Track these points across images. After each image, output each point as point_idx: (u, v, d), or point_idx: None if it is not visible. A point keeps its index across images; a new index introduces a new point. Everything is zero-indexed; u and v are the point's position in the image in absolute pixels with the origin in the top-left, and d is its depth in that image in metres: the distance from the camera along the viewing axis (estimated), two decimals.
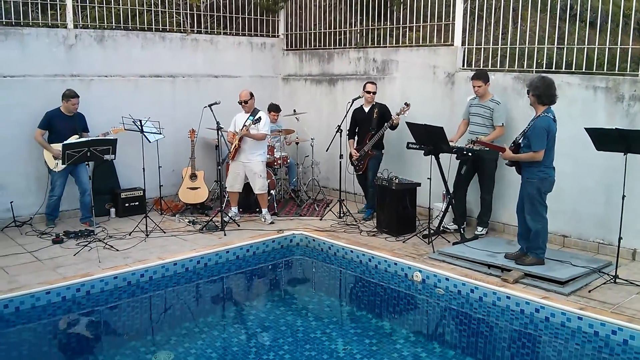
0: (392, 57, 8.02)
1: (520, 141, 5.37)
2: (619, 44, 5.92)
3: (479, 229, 6.84)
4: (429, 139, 6.28)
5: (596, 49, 6.17)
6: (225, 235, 6.72)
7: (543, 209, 5.39)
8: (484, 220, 6.85)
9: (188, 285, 5.83)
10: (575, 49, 6.30)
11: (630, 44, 5.95)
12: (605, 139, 5.08)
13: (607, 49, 6.11)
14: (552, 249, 5.89)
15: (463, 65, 7.30)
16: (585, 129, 5.20)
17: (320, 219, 7.56)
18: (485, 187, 6.74)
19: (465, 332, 4.98)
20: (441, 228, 6.66)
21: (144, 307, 5.50)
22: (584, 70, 6.15)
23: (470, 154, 6.25)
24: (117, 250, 6.14)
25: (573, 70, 6.19)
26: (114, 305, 5.31)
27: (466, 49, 7.27)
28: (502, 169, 6.67)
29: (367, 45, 8.48)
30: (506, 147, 5.41)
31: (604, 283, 5.14)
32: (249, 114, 7.20)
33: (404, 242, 6.55)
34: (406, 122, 6.50)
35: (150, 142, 6.98)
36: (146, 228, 6.74)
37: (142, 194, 7.66)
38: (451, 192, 6.60)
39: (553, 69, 6.41)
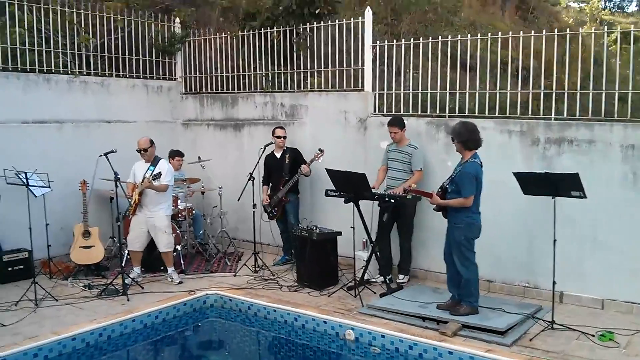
0: (301, 102, 7.75)
1: (447, 186, 5.25)
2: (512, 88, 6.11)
3: (401, 276, 6.62)
4: (350, 186, 6.00)
5: (508, 94, 6.33)
6: (128, 300, 5.89)
7: (471, 254, 5.27)
8: (405, 267, 6.65)
9: None
10: (484, 93, 6.40)
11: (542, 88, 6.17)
12: (533, 183, 5.09)
13: (497, 94, 6.28)
14: (480, 295, 5.76)
15: (374, 111, 7.19)
16: (513, 173, 5.20)
17: (234, 275, 6.94)
18: (404, 234, 6.57)
19: None
20: (365, 278, 6.34)
21: None
22: (497, 115, 6.25)
23: (392, 200, 6.04)
24: (3, 325, 5.14)
25: (486, 114, 6.26)
26: None
27: (377, 94, 7.19)
28: (420, 214, 6.57)
29: (274, 90, 8.16)
30: (434, 193, 5.26)
31: (543, 330, 5.04)
32: (149, 163, 6.51)
33: (329, 296, 6.13)
34: (326, 169, 6.19)
35: (36, 196, 6.05)
36: (35, 296, 5.74)
37: (27, 255, 6.58)
38: (374, 240, 6.35)
39: (466, 113, 6.48)
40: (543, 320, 5.25)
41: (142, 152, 6.51)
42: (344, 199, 6.15)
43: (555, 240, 5.02)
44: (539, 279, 6.04)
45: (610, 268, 5.59)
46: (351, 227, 6.07)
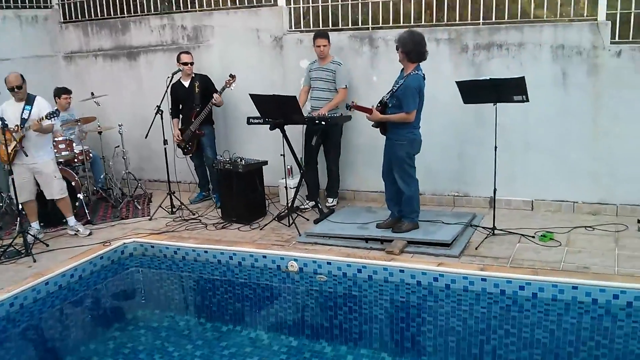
0: (206, 22, 6.95)
1: (387, 100, 4.90)
2: None
3: (330, 200, 6.33)
4: (279, 110, 5.48)
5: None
6: (35, 261, 5.08)
7: (413, 170, 5.05)
8: (334, 190, 6.36)
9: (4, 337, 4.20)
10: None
11: None
12: (476, 91, 4.86)
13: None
14: None
15: (290, 27, 6.60)
16: (456, 82, 4.93)
17: (150, 219, 6.27)
18: (331, 156, 6.22)
19: (364, 318, 4.40)
20: (295, 206, 5.97)
21: None
22: (423, 23, 5.92)
23: (323, 122, 5.62)
24: None
25: (412, 23, 5.91)
26: None
27: (292, 9, 6.57)
28: (346, 134, 6.25)
29: (172, 10, 7.25)
30: (373, 108, 4.89)
31: (486, 237, 4.98)
32: (23, 102, 5.52)
33: (261, 229, 5.70)
34: (250, 95, 5.58)
35: None
36: None
37: None
38: (303, 165, 5.96)
39: (391, 24, 6.09)
40: (483, 228, 5.21)
41: (15, 89, 5.48)
42: (269, 125, 5.63)
43: (496, 147, 4.89)
44: (469, 187, 6.04)
45: (540, 170, 5.64)
46: (281, 155, 5.64)
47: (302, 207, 6.20)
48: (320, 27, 6.40)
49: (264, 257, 5.02)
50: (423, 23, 5.94)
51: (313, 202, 6.17)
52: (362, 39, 6.16)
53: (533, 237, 4.99)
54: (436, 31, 5.81)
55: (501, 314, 4.23)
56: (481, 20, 5.69)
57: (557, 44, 5.35)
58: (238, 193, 5.87)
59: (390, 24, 6.10)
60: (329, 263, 4.78)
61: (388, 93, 4.92)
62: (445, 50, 5.80)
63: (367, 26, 6.20)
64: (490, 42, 5.59)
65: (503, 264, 4.47)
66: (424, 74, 4.82)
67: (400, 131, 4.90)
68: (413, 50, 4.74)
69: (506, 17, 5.59)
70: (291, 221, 5.65)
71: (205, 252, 5.25)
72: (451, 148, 5.97)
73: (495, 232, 5.04)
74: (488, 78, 4.73)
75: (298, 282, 4.89)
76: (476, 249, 4.80)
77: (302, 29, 6.54)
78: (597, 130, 5.37)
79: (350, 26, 6.30)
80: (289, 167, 6.24)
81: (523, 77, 4.56)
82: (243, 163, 5.83)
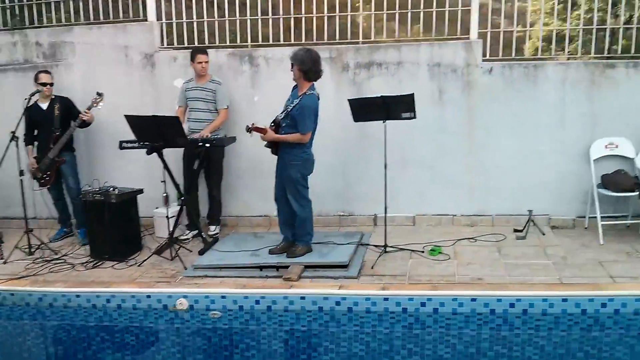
0: (65, 39, 6.27)
1: (281, 120, 4.70)
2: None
3: (212, 228, 5.95)
4: (158, 133, 5.03)
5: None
6: None
7: (306, 191, 4.90)
8: (216, 217, 6.00)
9: None
10: (288, 19, 5.92)
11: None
12: (367, 108, 4.82)
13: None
14: None
15: (162, 44, 6.17)
16: (348, 100, 4.89)
17: (5, 262, 5.42)
18: (214, 181, 5.88)
19: (264, 354, 4.10)
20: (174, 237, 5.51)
21: None
22: (304, 41, 5.85)
23: (207, 144, 5.27)
24: None
25: (293, 41, 5.81)
26: None
27: (164, 24, 6.16)
28: (227, 157, 5.96)
29: (26, 26, 6.45)
30: (267, 128, 4.67)
31: (380, 255, 4.95)
32: None
33: (139, 265, 5.17)
34: (125, 116, 5.06)
35: None
36: None
37: None
38: (183, 192, 5.55)
39: (271, 42, 5.95)
40: (374, 246, 5.19)
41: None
42: (146, 150, 5.16)
43: (386, 165, 4.90)
44: (354, 207, 6.03)
45: (419, 185, 5.77)
46: (162, 182, 5.21)
47: (183, 237, 5.76)
48: (197, 44, 6.06)
49: (148, 296, 4.52)
50: (304, 41, 5.87)
51: (195, 232, 5.77)
52: (242, 57, 5.93)
53: (422, 252, 5.06)
54: (317, 50, 5.73)
55: (404, 332, 4.18)
56: (360, 40, 5.74)
57: (433, 62, 5.55)
58: (111, 226, 5.28)
59: (270, 42, 5.94)
60: (223, 297, 4.43)
61: (282, 112, 4.73)
62: (326, 69, 5.69)
63: (247, 44, 5.97)
64: (370, 61, 5.66)
65: (402, 281, 4.45)
66: (318, 94, 4.71)
67: (293, 151, 4.73)
68: (311, 69, 4.61)
69: (385, 36, 5.70)
70: (174, 254, 5.19)
71: (77, 296, 4.61)
72: (335, 167, 5.92)
73: (387, 249, 5.04)
74: (380, 96, 4.73)
75: (188, 321, 4.46)
76: (372, 267, 4.74)
77: (176, 45, 6.14)
78: (472, 144, 5.64)
79: (228, 43, 6.03)
80: (164, 194, 5.80)
81: (412, 94, 4.63)
82: (116, 192, 5.27)
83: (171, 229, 5.43)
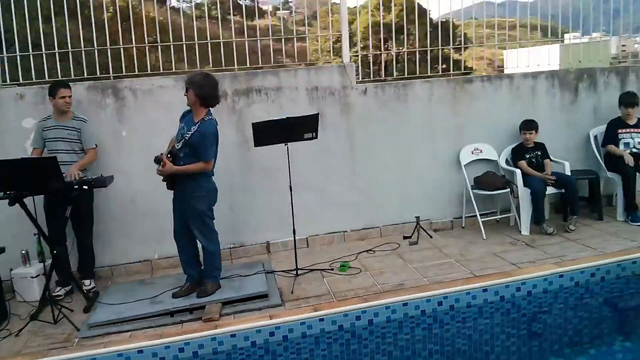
0: None
1: (177, 150, 4.34)
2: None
3: (87, 282, 5.18)
4: (29, 177, 4.26)
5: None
6: None
7: (212, 223, 4.58)
8: (90, 269, 5.27)
9: None
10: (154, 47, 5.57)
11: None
12: (271, 131, 4.68)
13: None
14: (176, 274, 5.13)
15: (5, 81, 5.34)
16: (252, 124, 4.69)
17: None
18: (85, 228, 5.18)
19: None
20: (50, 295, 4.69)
21: None
22: (174, 70, 5.55)
23: (85, 186, 4.63)
24: None
25: (162, 70, 5.48)
26: None
27: (4, 58, 5.33)
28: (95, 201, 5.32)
29: None
30: (165, 159, 4.27)
31: (294, 279, 4.80)
32: None
33: (16, 335, 4.27)
34: None
35: None
36: None
37: None
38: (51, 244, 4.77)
39: (136, 72, 5.51)
40: (284, 272, 5.04)
41: None
42: (8, 201, 4.34)
43: (290, 187, 4.82)
44: (244, 237, 5.78)
45: (309, 208, 5.75)
46: (35, 235, 4.43)
47: (54, 295, 4.93)
48: (46, 78, 5.36)
49: None
50: (174, 70, 5.57)
51: (67, 288, 5.01)
52: (104, 90, 5.37)
53: (332, 269, 5.04)
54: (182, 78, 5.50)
55: (342, 350, 4.08)
56: (236, 66, 5.63)
57: (311, 85, 5.66)
58: None
59: (136, 72, 5.51)
60: (140, 352, 3.85)
61: (179, 142, 4.36)
62: None
63: (109, 75, 5.45)
64: (249, 87, 5.56)
65: (328, 300, 4.36)
66: (216, 119, 4.46)
67: (197, 182, 4.39)
68: (210, 95, 4.35)
69: (260, 63, 5.68)
70: (57, 315, 4.40)
71: None
72: (220, 199, 5.59)
73: (299, 272, 4.92)
74: (285, 117, 4.65)
75: None
76: (292, 292, 4.57)
77: (21, 81, 5.35)
78: (355, 163, 5.83)
79: (85, 76, 5.45)
80: (23, 252, 4.96)
81: (317, 114, 4.65)
82: None
83: (41, 289, 4.63)
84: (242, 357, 3.97)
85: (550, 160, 5.86)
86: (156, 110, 5.43)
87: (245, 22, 6.66)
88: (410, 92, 5.86)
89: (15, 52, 5.35)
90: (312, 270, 5.02)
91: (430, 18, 9.51)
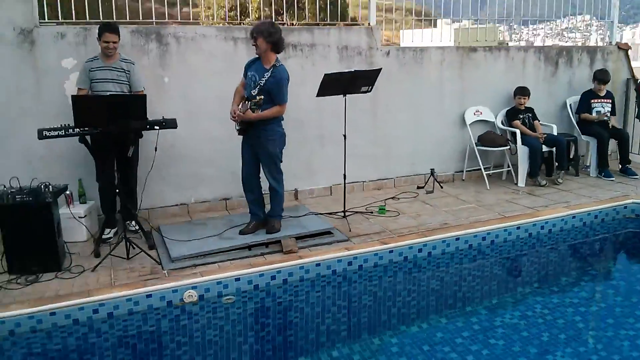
0: None
1: (255, 96, 4.59)
2: None
3: (133, 224, 5.31)
4: (113, 114, 4.34)
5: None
6: None
7: (280, 166, 4.91)
8: (134, 212, 5.36)
9: None
10: None
11: None
12: (335, 83, 5.02)
13: None
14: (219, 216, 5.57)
15: (43, 18, 5.18)
16: (325, 74, 4.97)
17: None
18: (133, 172, 5.31)
19: (299, 326, 4.09)
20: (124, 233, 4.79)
21: None
22: (218, 20, 5.69)
23: (157, 127, 4.78)
24: None
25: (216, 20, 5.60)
26: None
27: None
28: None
29: None
30: (248, 108, 4.53)
31: (346, 221, 5.27)
32: None
33: (92, 270, 4.36)
34: (72, 96, 4.19)
35: None
36: None
37: None
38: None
39: (179, 19, 5.61)
40: (330, 213, 5.49)
41: None
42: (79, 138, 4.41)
43: (345, 135, 5.26)
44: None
45: (335, 159, 6.19)
46: (79, 180, 4.66)
47: (105, 237, 5.01)
48: (87, 19, 5.28)
49: (149, 296, 3.95)
50: (218, 20, 5.72)
51: (114, 229, 5.12)
52: (147, 35, 5.41)
53: (372, 212, 5.56)
54: (233, 30, 5.68)
55: (405, 278, 4.66)
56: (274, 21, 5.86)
57: (342, 45, 6.06)
58: (44, 231, 4.32)
59: (179, 19, 5.59)
60: (237, 279, 4.17)
61: (256, 88, 4.60)
62: (242, 50, 5.70)
63: (152, 20, 5.48)
64: (286, 42, 5.82)
65: (389, 235, 4.90)
66: None
67: (271, 127, 4.69)
68: (280, 40, 4.61)
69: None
70: (131, 250, 4.56)
71: (52, 314, 3.72)
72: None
73: (346, 214, 5.40)
74: (353, 70, 5.04)
75: (197, 314, 4.06)
76: (350, 230, 5.05)
77: (62, 20, 5.23)
78: (376, 119, 6.36)
79: (127, 20, 5.43)
80: (68, 193, 4.97)
81: (380, 69, 5.09)
82: (51, 190, 4.33)
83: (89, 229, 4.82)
84: (324, 284, 4.42)
85: (539, 122, 6.78)
86: (197, 59, 5.57)
87: None
88: (426, 56, 6.46)
89: None
90: (355, 212, 5.51)
91: None
